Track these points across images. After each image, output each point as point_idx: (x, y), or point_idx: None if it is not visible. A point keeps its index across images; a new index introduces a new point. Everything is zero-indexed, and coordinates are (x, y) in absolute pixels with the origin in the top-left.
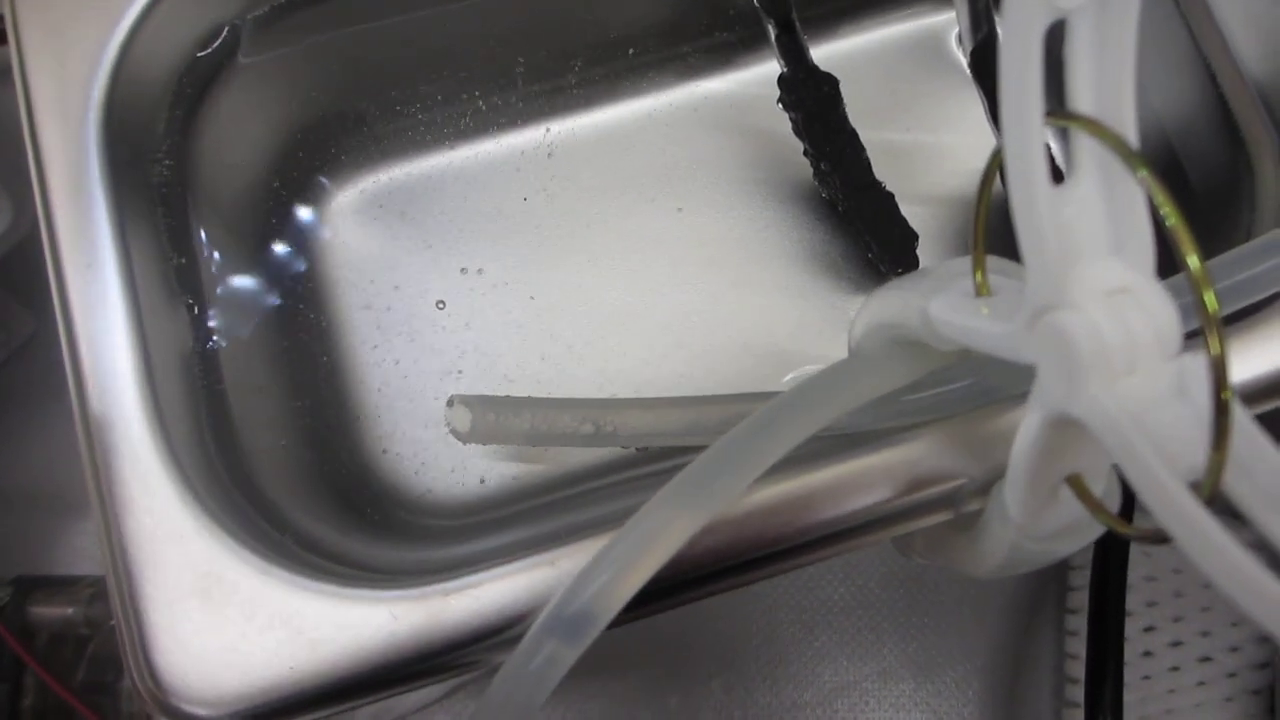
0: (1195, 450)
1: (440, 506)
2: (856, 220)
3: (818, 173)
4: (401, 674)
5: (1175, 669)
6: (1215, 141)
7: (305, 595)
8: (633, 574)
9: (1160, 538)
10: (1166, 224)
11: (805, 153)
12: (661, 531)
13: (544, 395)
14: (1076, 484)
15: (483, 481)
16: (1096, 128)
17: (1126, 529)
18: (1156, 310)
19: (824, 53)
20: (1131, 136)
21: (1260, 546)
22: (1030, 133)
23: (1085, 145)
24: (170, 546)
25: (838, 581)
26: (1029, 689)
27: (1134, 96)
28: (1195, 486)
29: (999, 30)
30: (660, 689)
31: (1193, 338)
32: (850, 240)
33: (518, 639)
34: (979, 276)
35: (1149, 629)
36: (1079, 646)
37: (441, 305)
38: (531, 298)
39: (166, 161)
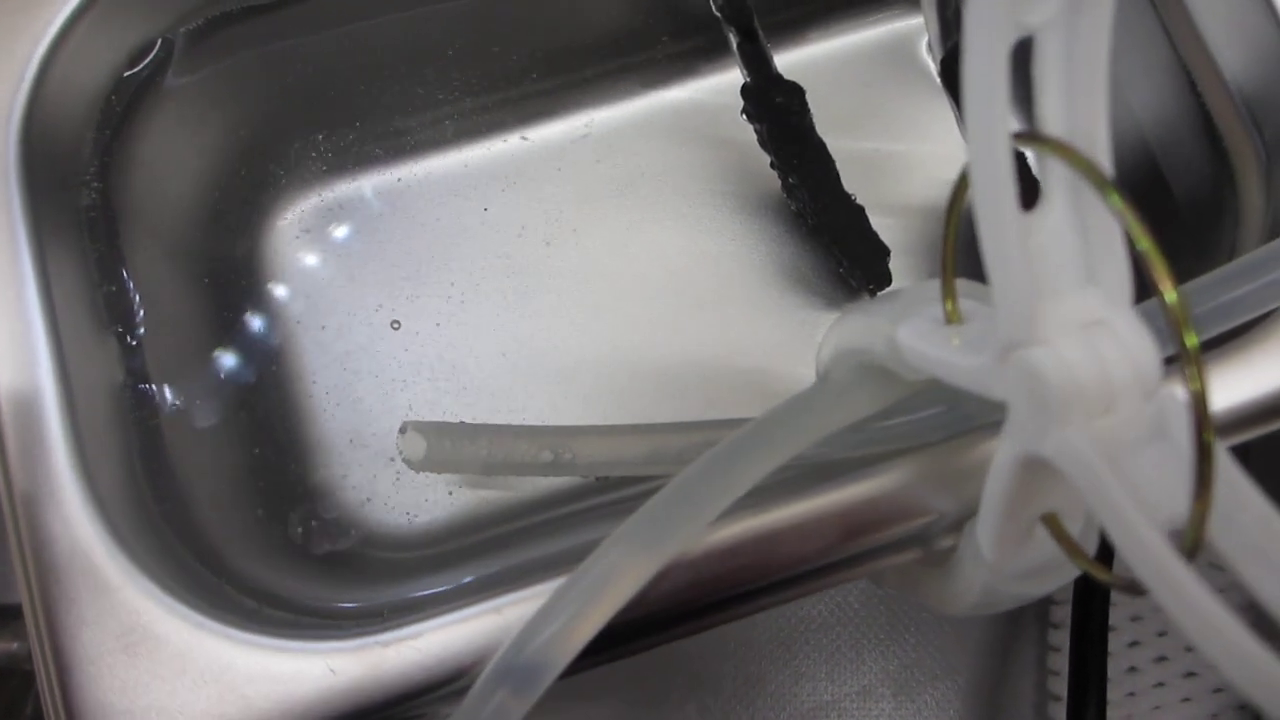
0: (1176, 498)
1: (393, 539)
2: (826, 234)
3: (785, 185)
4: None
5: (1160, 684)
6: (1198, 152)
7: (238, 648)
8: (585, 622)
9: (1136, 588)
10: (1140, 253)
11: (772, 165)
12: (616, 575)
13: (501, 422)
14: (1052, 524)
15: (436, 512)
16: (1067, 152)
17: (1104, 575)
18: (1134, 345)
19: (790, 60)
20: (1104, 160)
21: (1248, 607)
22: (997, 157)
23: (1056, 169)
24: (94, 598)
25: (817, 598)
26: (1011, 706)
27: (1107, 117)
28: (1176, 536)
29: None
30: (638, 709)
31: (1173, 362)
32: (820, 254)
33: (464, 691)
34: (949, 305)
35: (1133, 644)
36: (1062, 662)
37: (396, 326)
38: (488, 318)
39: (94, 185)
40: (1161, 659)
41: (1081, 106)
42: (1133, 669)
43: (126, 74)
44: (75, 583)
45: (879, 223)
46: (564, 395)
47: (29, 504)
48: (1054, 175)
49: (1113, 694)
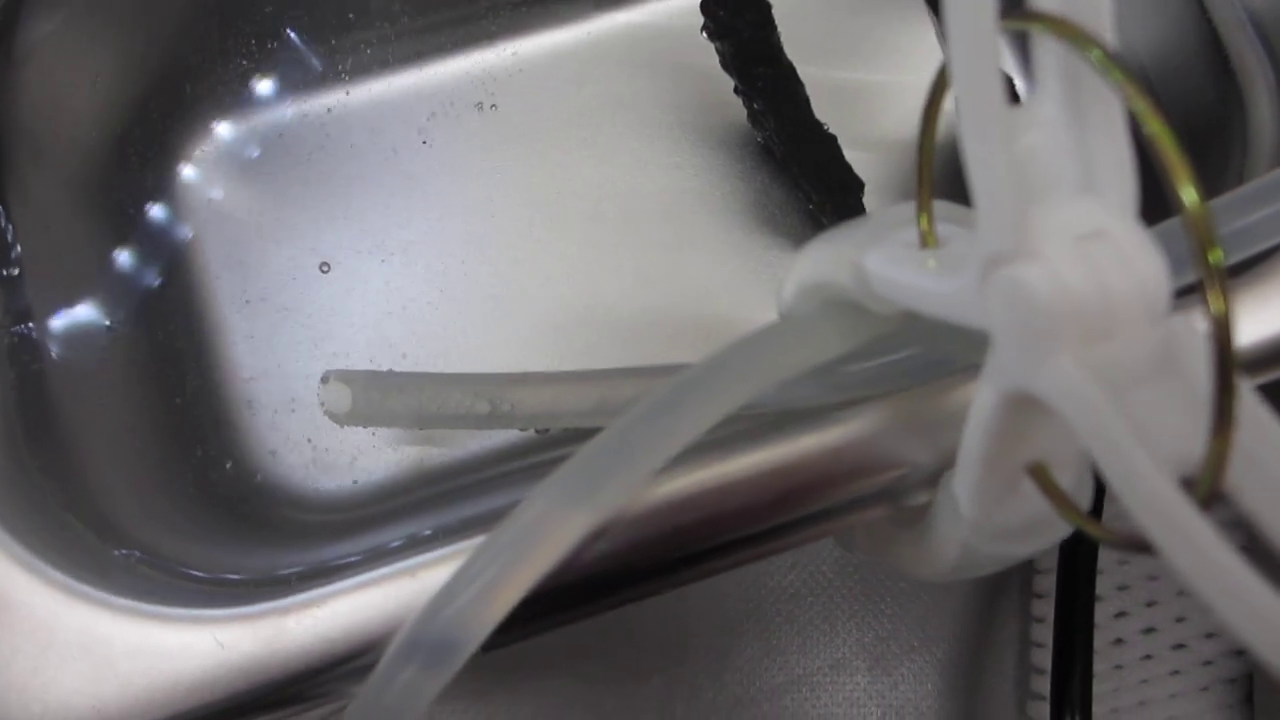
0: (1189, 437)
1: (311, 500)
2: (795, 167)
3: (750, 113)
4: (232, 711)
5: (1148, 657)
6: (1202, 74)
7: (115, 617)
8: (506, 587)
9: (1141, 545)
10: (1153, 143)
11: (736, 90)
12: (543, 534)
13: (429, 364)
14: (1040, 475)
15: (359, 473)
16: (1064, 27)
17: (1100, 532)
18: (1139, 259)
19: None
20: (1108, 34)
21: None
22: (981, 38)
23: (1050, 53)
24: None
25: (787, 568)
26: (992, 679)
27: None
28: (1187, 484)
29: None
30: (597, 685)
31: (1183, 296)
32: (789, 189)
33: (372, 666)
34: (924, 223)
35: (1120, 614)
36: (1045, 634)
37: (325, 269)
38: (423, 261)
39: None
40: (1150, 630)
41: None
42: (1119, 641)
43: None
44: None
45: (852, 157)
46: (505, 344)
47: None
48: (1047, 61)
49: (1098, 666)
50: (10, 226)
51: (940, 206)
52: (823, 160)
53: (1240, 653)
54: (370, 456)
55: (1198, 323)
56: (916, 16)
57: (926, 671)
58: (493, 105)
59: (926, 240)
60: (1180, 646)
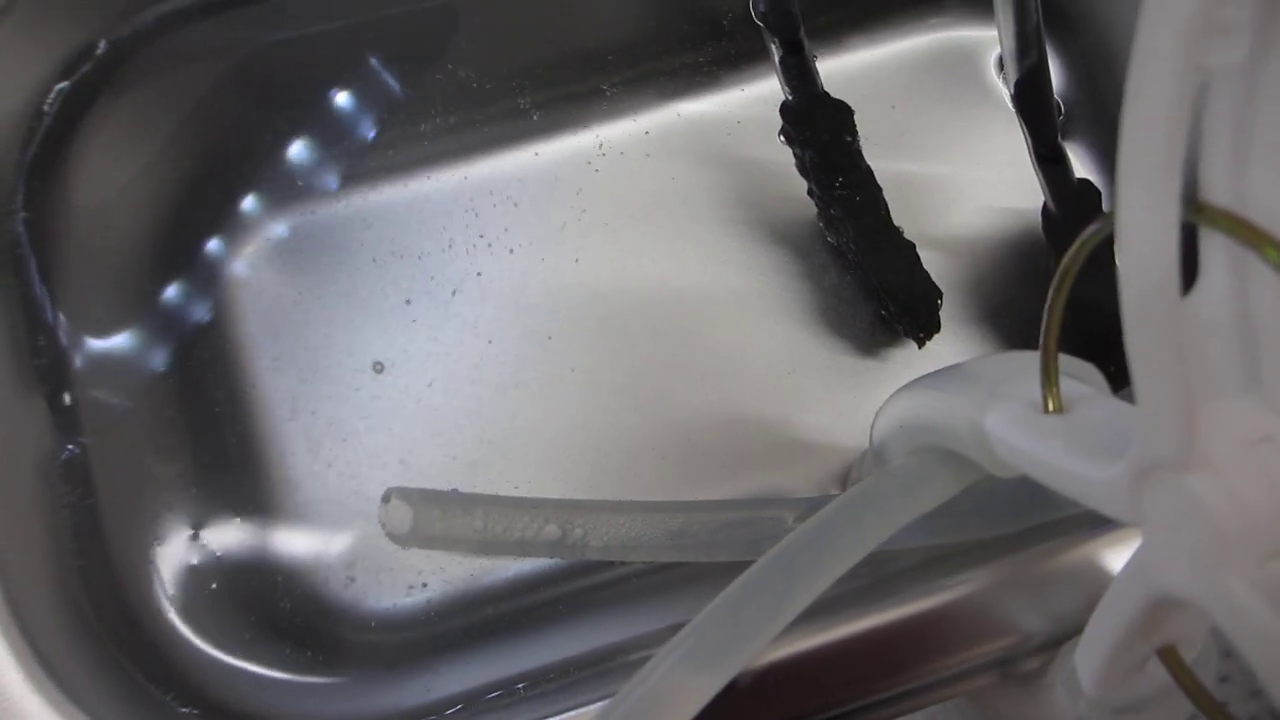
0: None
1: (375, 622)
2: (870, 273)
3: (824, 216)
4: None
5: None
6: None
7: None
8: None
9: None
10: None
11: (810, 192)
12: (669, 700)
13: (491, 477)
14: (1171, 659)
15: (422, 588)
16: (1236, 222)
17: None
18: None
19: (829, 68)
20: None
21: None
22: (1160, 232)
23: (1217, 245)
24: None
25: None
26: None
27: None
28: None
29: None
30: None
31: None
32: (858, 291)
33: None
34: (1051, 393)
35: None
36: None
37: (379, 369)
38: (481, 363)
39: (21, 214)
40: None
41: (1261, 171)
42: None
43: (59, 86)
44: None
45: (926, 257)
46: (565, 450)
47: None
48: (1214, 252)
49: None
50: (70, 345)
51: (1061, 362)
52: (900, 268)
53: (1257, 694)
54: (429, 578)
55: None
56: (986, 106)
57: None
58: (554, 197)
59: (1051, 404)
60: None
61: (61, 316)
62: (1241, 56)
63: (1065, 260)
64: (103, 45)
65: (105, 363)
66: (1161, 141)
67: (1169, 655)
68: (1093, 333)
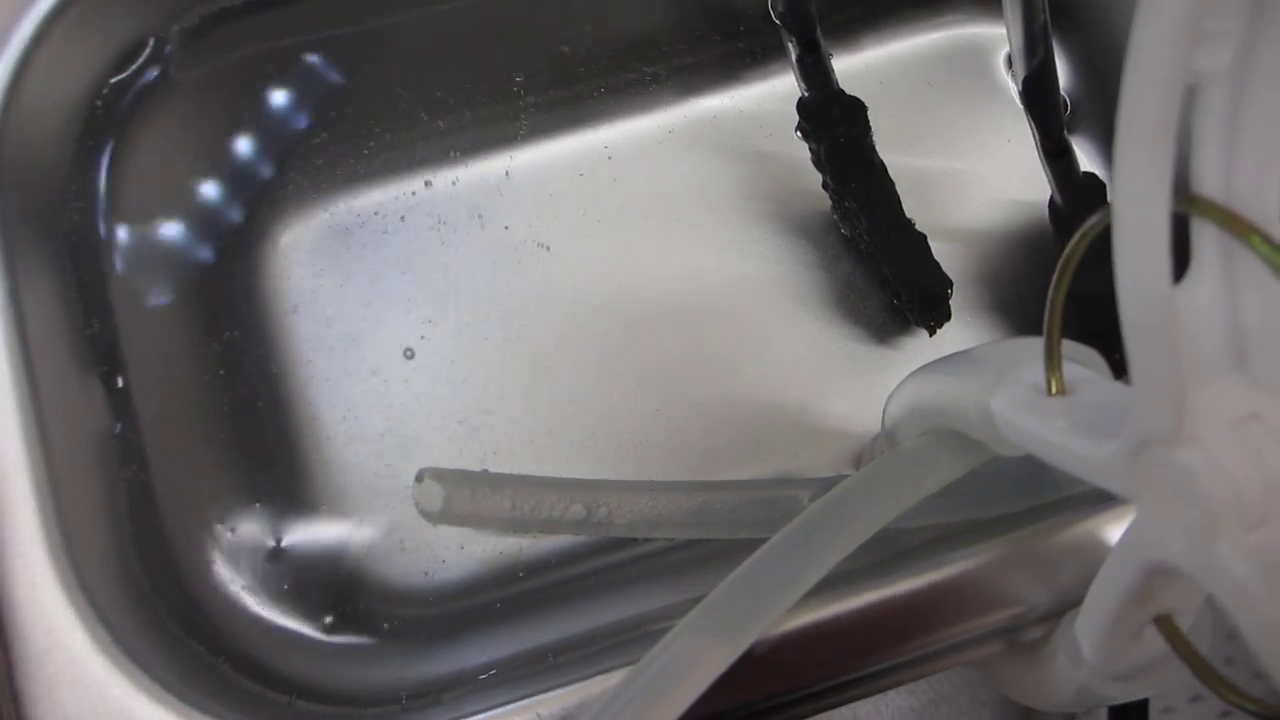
0: None
1: (410, 595)
2: (883, 264)
3: (839, 208)
4: None
5: None
6: None
7: None
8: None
9: (1274, 714)
10: None
11: (825, 185)
12: (688, 667)
13: (519, 461)
14: (1167, 627)
15: (450, 570)
16: (1224, 213)
17: (1231, 695)
18: None
19: (844, 66)
20: (1276, 228)
21: None
22: (1152, 222)
23: (1208, 235)
24: (76, 696)
25: None
26: None
27: None
28: None
29: (1054, 55)
30: None
31: None
32: (871, 280)
33: None
34: (1054, 376)
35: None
36: None
37: (410, 354)
38: (507, 351)
39: (76, 204)
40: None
41: (1248, 166)
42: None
43: (114, 80)
44: (53, 678)
45: (937, 248)
46: (590, 437)
47: None
48: (1205, 241)
49: None
50: (124, 330)
51: (1064, 347)
52: (912, 259)
53: None
54: (460, 554)
55: None
56: (997, 102)
57: None
58: (578, 190)
59: (1054, 386)
60: None
61: (114, 302)
62: (1229, 60)
63: (1067, 250)
64: (152, 41)
65: (154, 345)
66: (1153, 139)
67: (1165, 623)
68: (1097, 321)
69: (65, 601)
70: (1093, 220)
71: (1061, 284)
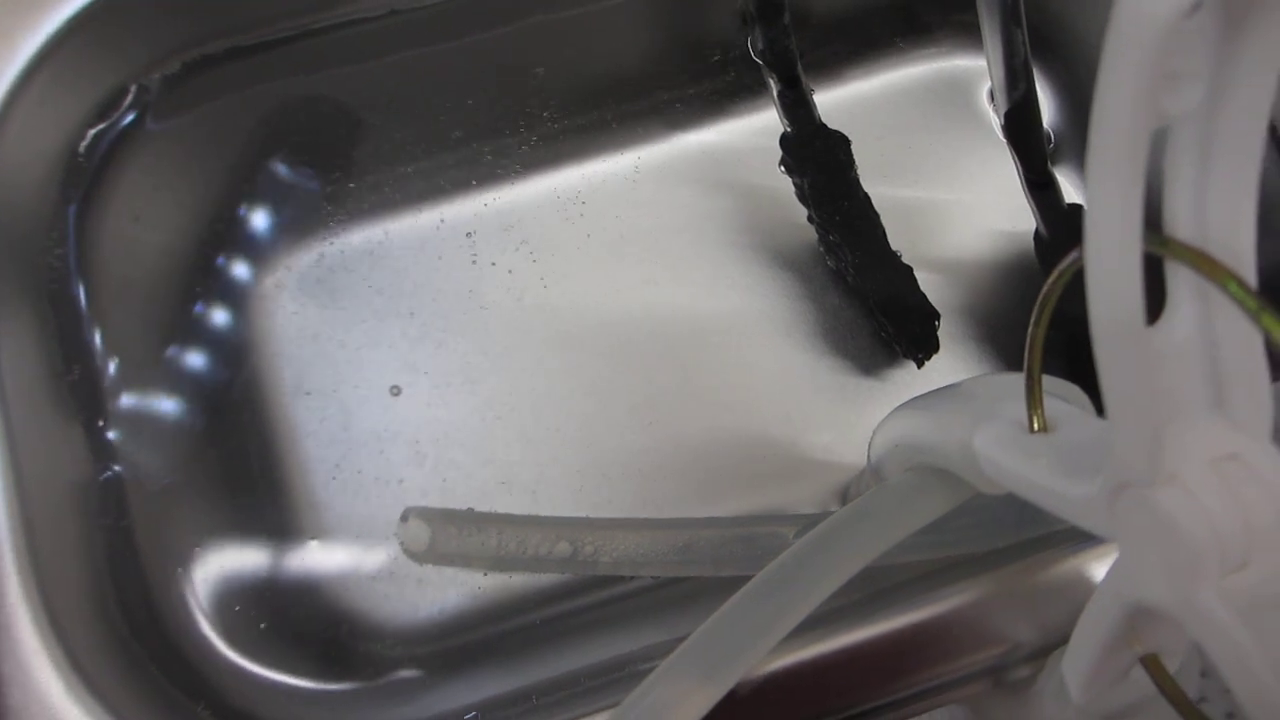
0: None
1: (394, 636)
2: (870, 296)
3: (824, 242)
4: None
5: None
6: None
7: None
8: None
9: None
10: None
11: (810, 219)
12: (672, 709)
13: (505, 498)
14: (1154, 667)
15: (436, 607)
16: (1199, 257)
17: None
18: (1276, 484)
19: (828, 99)
20: (1249, 272)
21: None
22: (1124, 264)
23: (1182, 275)
24: None
25: None
26: None
27: (1253, 219)
28: None
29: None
30: None
31: None
32: (858, 313)
33: None
34: (1036, 414)
35: None
36: None
37: (396, 392)
38: (493, 387)
39: (57, 251)
40: None
41: (1220, 207)
42: None
43: (94, 129)
44: None
45: (924, 279)
46: (578, 470)
47: None
48: (1180, 281)
49: None
50: (108, 374)
51: (1046, 383)
52: (898, 292)
53: None
54: (447, 595)
55: None
56: (980, 134)
57: None
58: (564, 225)
59: (1036, 423)
60: None
61: (97, 346)
62: (1197, 102)
63: (1044, 290)
64: (134, 89)
65: (138, 390)
66: (1121, 182)
67: (1152, 664)
68: (1084, 354)
69: (42, 653)
70: (1068, 261)
71: (1041, 322)
